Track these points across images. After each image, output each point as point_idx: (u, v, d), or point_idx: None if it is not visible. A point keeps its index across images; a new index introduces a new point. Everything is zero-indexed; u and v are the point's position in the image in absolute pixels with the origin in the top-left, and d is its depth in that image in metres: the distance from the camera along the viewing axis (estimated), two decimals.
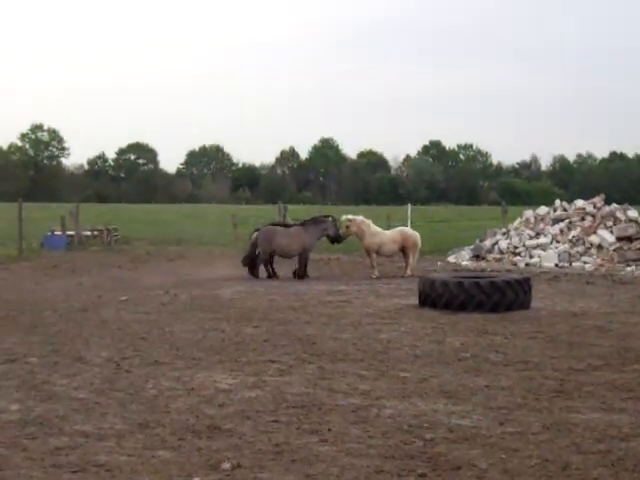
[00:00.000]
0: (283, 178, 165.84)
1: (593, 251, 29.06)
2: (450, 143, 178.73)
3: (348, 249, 32.93)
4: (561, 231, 30.62)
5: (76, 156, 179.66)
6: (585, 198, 32.87)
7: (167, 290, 21.06)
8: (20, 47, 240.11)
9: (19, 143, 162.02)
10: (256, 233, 25.37)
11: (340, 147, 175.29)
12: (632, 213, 30.19)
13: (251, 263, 25.10)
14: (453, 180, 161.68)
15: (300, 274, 24.86)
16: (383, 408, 9.44)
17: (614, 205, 31.33)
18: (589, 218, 30.68)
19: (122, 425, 8.78)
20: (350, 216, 25.72)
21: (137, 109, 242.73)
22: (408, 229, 26.28)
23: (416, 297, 18.37)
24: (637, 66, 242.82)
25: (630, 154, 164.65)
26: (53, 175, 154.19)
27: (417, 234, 25.54)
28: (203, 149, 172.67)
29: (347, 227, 25.16)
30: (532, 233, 31.12)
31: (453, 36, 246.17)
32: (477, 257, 30.84)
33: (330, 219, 25.84)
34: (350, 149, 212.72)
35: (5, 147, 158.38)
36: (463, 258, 30.84)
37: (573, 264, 28.49)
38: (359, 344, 13.54)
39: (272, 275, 24.89)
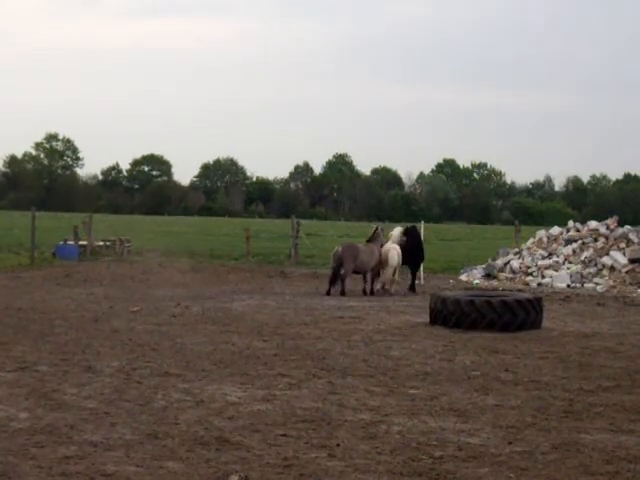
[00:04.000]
0: (297, 193, 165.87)
1: (605, 272, 28.99)
2: (464, 161, 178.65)
3: None
4: (574, 252, 30.57)
5: (90, 166, 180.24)
6: (598, 219, 32.83)
7: (178, 302, 21.10)
8: (35, 57, 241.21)
9: (34, 152, 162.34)
10: (340, 249, 25.05)
11: (354, 163, 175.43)
12: None
13: (334, 279, 24.91)
14: (466, 198, 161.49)
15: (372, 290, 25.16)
16: (392, 425, 9.44)
17: (627, 227, 31.28)
18: (602, 239, 30.63)
19: (131, 435, 8.79)
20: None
21: (152, 121, 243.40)
22: (389, 245, 25.66)
23: (427, 314, 18.36)
24: None
25: None
26: (67, 185, 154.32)
27: (392, 251, 24.88)
28: (217, 162, 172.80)
29: None
30: (544, 253, 31.09)
31: (469, 55, 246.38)
32: (489, 276, 30.80)
33: (378, 229, 26.32)
34: (364, 165, 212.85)
35: (20, 156, 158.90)
36: (475, 277, 30.81)
37: (585, 285, 28.42)
38: (369, 360, 13.54)
39: (344, 292, 24.66)
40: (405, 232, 26.03)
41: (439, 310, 17.76)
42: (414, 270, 26.67)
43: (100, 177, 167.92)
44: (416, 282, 26.55)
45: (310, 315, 19.30)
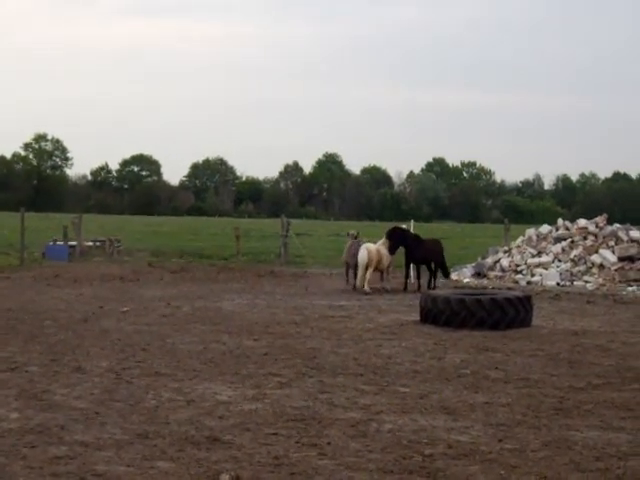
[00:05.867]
0: (286, 192, 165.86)
1: (595, 270, 29.05)
2: (454, 160, 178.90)
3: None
4: (563, 250, 30.63)
5: (79, 166, 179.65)
6: (588, 218, 32.89)
7: (168, 302, 21.08)
8: (24, 56, 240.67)
9: (23, 152, 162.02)
10: (363, 247, 25.40)
11: (344, 162, 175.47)
12: (634, 233, 30.20)
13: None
14: (456, 197, 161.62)
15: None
16: (383, 423, 9.44)
17: (616, 225, 31.34)
18: (591, 237, 30.69)
19: (121, 435, 8.78)
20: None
21: (141, 120, 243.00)
22: (365, 245, 25.68)
23: (417, 313, 18.37)
24: None
25: (633, 174, 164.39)
26: (56, 185, 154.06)
27: (362, 250, 24.96)
28: (207, 162, 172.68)
29: None
30: (534, 251, 31.14)
31: (457, 54, 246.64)
32: (479, 274, 30.85)
33: (359, 235, 27.66)
34: (354, 164, 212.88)
35: (9, 156, 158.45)
36: (465, 275, 30.84)
37: (574, 283, 28.48)
38: (360, 359, 13.55)
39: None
40: (387, 235, 25.99)
41: (429, 309, 17.77)
42: (406, 269, 26.69)
43: (89, 177, 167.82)
44: (408, 281, 26.50)
45: (300, 314, 19.30)
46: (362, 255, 24.62)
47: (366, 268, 24.72)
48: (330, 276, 30.66)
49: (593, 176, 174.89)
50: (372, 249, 24.87)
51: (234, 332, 16.27)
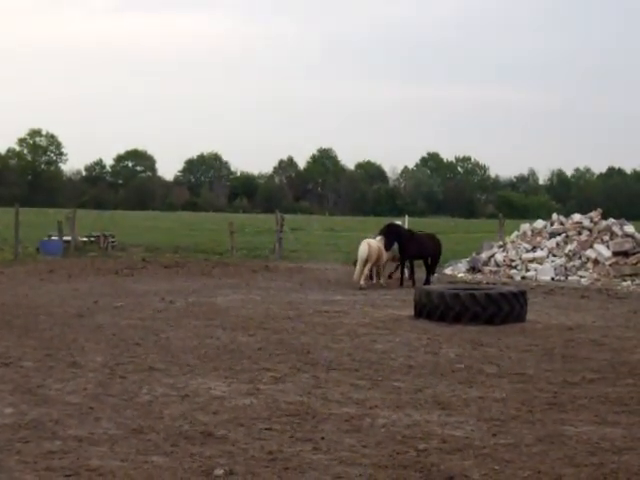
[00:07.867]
0: (281, 187, 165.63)
1: (589, 265, 29.07)
2: (448, 155, 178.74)
3: (347, 259, 33.15)
4: (557, 245, 30.64)
5: (74, 162, 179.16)
6: (582, 212, 32.89)
7: (163, 297, 21.06)
8: (19, 51, 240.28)
9: (17, 148, 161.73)
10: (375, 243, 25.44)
11: (338, 157, 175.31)
12: (628, 228, 30.22)
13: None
14: (450, 192, 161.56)
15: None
16: (377, 418, 9.44)
17: (611, 220, 31.35)
18: (586, 232, 30.71)
19: (116, 430, 8.77)
20: None
21: (136, 116, 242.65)
22: (366, 240, 25.70)
23: (412, 308, 18.37)
24: (636, 82, 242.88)
25: (628, 169, 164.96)
26: (51, 180, 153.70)
27: (362, 247, 24.99)
28: (201, 157, 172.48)
29: None
30: (529, 246, 31.14)
31: (453, 50, 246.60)
32: (473, 269, 30.85)
33: None
34: (348, 160, 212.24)
35: (3, 152, 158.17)
36: (459, 270, 30.84)
37: (569, 278, 28.50)
38: (354, 354, 13.55)
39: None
40: (382, 231, 26.04)
41: (424, 304, 17.77)
42: (402, 265, 26.68)
43: (84, 173, 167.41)
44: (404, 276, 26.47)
45: (294, 309, 19.29)
46: (362, 250, 24.65)
47: (365, 263, 24.73)
48: (325, 271, 30.64)
49: (588, 171, 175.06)
50: (373, 244, 24.92)
51: (228, 327, 16.26)
